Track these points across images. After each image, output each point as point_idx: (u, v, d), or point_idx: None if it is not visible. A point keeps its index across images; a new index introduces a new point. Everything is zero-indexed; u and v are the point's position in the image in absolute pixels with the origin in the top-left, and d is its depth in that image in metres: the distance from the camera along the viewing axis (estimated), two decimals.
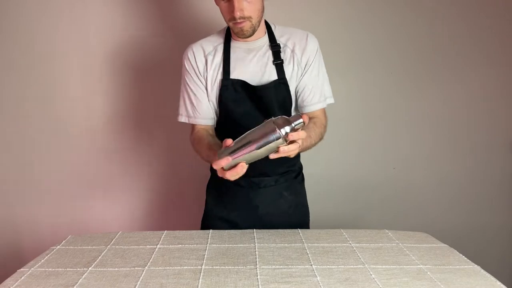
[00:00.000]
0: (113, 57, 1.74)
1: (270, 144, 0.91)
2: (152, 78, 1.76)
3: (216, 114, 1.25)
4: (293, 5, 1.71)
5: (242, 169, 0.93)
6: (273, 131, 0.90)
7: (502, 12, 1.76)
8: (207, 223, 1.34)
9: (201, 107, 1.23)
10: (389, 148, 1.86)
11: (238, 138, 0.93)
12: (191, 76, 1.22)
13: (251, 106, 1.19)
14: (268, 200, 1.27)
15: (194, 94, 1.22)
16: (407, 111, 1.84)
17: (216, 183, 1.34)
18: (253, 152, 0.91)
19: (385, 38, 1.77)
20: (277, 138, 0.90)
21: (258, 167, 1.22)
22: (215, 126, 1.28)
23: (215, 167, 0.93)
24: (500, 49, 1.80)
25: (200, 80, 1.22)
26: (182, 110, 1.26)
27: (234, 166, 0.92)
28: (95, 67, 1.75)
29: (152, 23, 1.72)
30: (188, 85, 1.23)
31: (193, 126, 1.26)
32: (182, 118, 1.26)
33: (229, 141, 0.93)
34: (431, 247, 1.07)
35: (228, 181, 1.27)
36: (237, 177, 0.94)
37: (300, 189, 1.36)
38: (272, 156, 0.93)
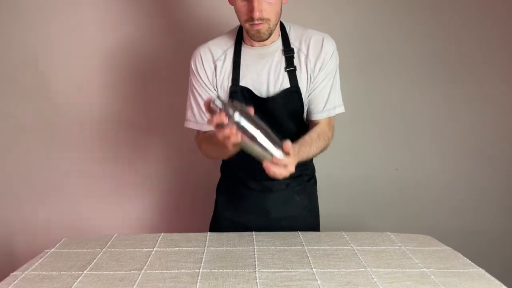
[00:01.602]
0: (115, 56, 1.73)
1: (271, 146, 0.91)
2: (155, 78, 1.75)
3: None
4: (293, 6, 1.69)
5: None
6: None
7: (502, 12, 1.74)
8: (217, 225, 1.30)
9: None
10: (391, 149, 1.85)
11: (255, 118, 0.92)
12: (199, 81, 1.17)
13: (260, 116, 1.16)
14: (280, 204, 1.24)
15: (202, 99, 1.17)
16: (408, 112, 1.82)
17: (227, 185, 1.31)
18: (256, 141, 0.90)
19: (386, 39, 1.75)
20: (278, 150, 0.91)
21: None
22: None
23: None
24: (501, 50, 1.78)
25: (207, 85, 1.17)
26: (189, 115, 1.20)
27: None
28: (97, 66, 1.73)
29: (153, 22, 1.71)
30: (196, 90, 1.18)
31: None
32: (190, 124, 1.20)
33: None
34: (434, 250, 1.05)
35: (239, 184, 1.24)
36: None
37: (313, 193, 1.33)
38: (265, 165, 0.92)
